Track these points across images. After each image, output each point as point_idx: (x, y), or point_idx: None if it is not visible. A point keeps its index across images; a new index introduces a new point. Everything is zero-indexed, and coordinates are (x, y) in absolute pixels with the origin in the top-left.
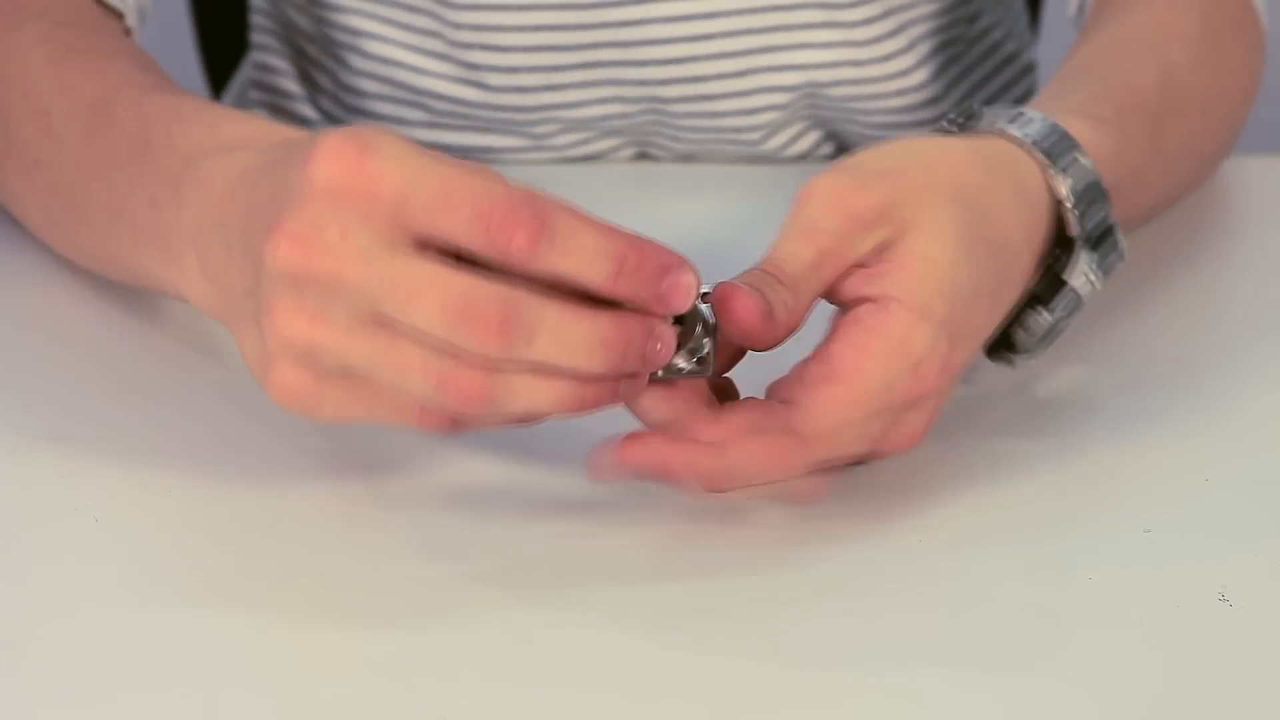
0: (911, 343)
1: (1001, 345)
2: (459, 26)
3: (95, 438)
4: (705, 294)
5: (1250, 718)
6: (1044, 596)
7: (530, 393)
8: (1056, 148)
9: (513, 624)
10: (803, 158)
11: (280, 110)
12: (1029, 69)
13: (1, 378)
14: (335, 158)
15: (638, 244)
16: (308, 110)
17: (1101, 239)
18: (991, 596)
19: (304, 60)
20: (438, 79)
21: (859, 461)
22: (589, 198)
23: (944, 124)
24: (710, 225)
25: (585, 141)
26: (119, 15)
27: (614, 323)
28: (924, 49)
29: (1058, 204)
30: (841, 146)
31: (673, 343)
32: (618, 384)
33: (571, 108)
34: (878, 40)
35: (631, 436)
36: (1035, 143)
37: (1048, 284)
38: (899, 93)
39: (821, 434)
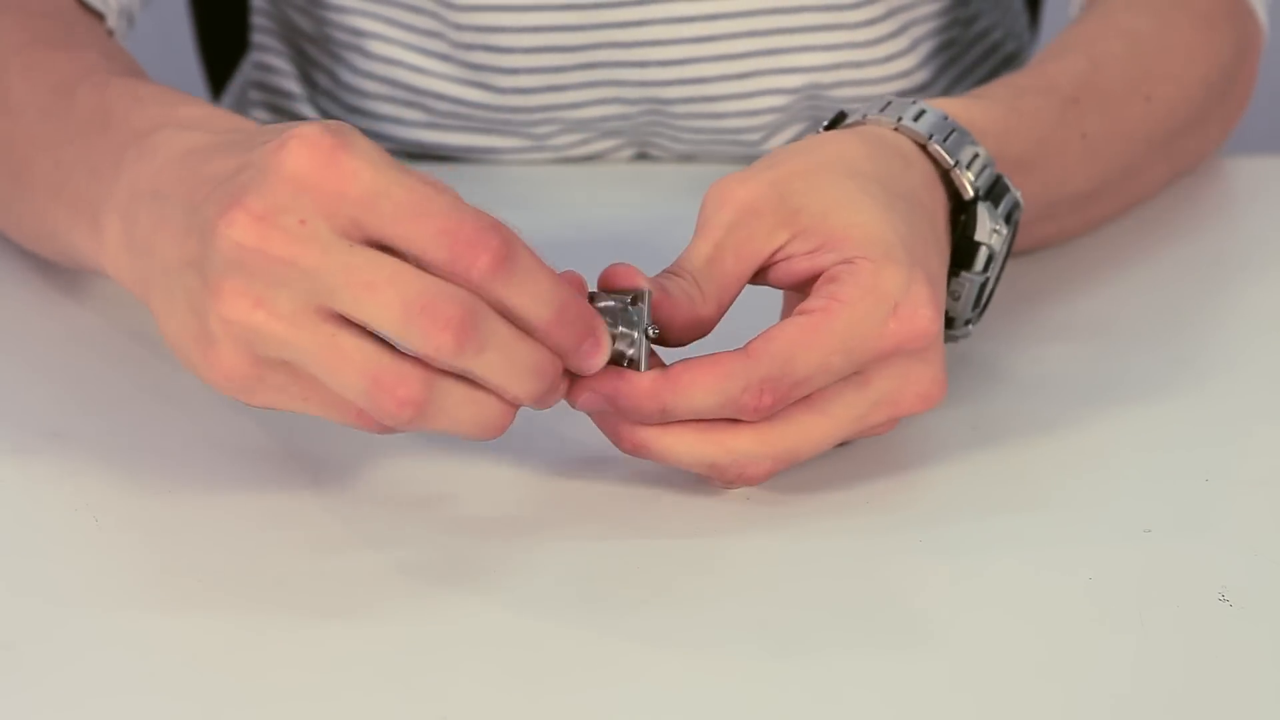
0: (884, 286)
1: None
2: (460, 27)
3: (95, 438)
4: (636, 297)
5: (1250, 718)
6: (1044, 596)
7: (459, 409)
8: (894, 108)
9: (513, 624)
10: None
11: (280, 110)
12: None
13: (1, 378)
14: (310, 148)
15: (578, 300)
16: (307, 110)
17: (993, 190)
18: (991, 596)
19: (304, 61)
20: (439, 79)
21: (878, 433)
22: (589, 198)
23: (819, 128)
24: None
25: (585, 142)
26: (100, 16)
27: (549, 355)
28: (925, 50)
29: (945, 173)
30: None
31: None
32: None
33: (572, 108)
34: (879, 41)
35: (579, 380)
36: (882, 110)
37: (961, 250)
38: (900, 93)
39: (771, 353)
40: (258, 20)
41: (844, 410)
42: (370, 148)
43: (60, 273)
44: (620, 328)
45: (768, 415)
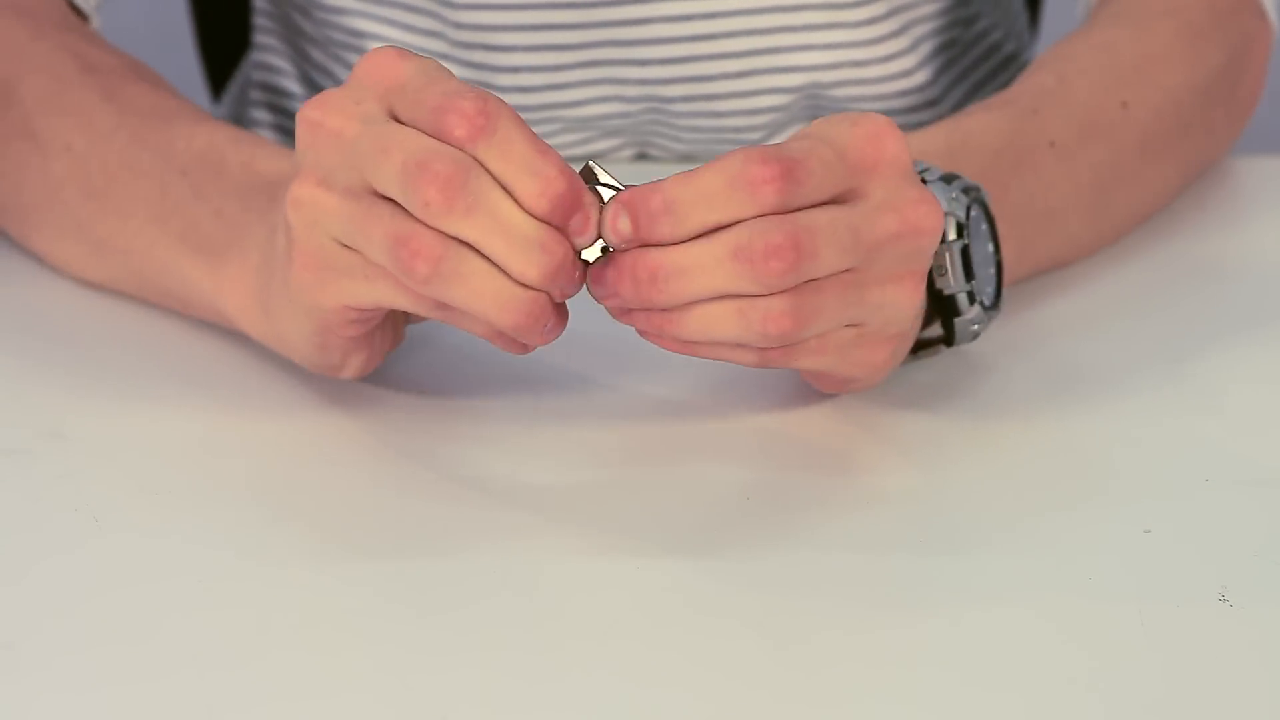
0: (838, 113)
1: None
2: (460, 26)
3: (95, 438)
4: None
5: (1250, 718)
6: (1044, 596)
7: (475, 278)
8: None
9: (513, 624)
10: None
11: (280, 110)
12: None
13: (1, 378)
14: (381, 54)
15: (566, 173)
16: None
17: (946, 180)
18: (991, 596)
19: (306, 62)
20: None
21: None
22: None
23: None
24: None
25: (585, 141)
26: (85, 18)
27: (553, 231)
28: (925, 49)
29: None
30: None
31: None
32: (547, 312)
33: (573, 106)
34: (880, 40)
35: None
36: None
37: None
38: (901, 93)
39: (758, 144)
40: (259, 20)
41: (849, 208)
42: (429, 60)
43: (61, 273)
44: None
45: (779, 192)
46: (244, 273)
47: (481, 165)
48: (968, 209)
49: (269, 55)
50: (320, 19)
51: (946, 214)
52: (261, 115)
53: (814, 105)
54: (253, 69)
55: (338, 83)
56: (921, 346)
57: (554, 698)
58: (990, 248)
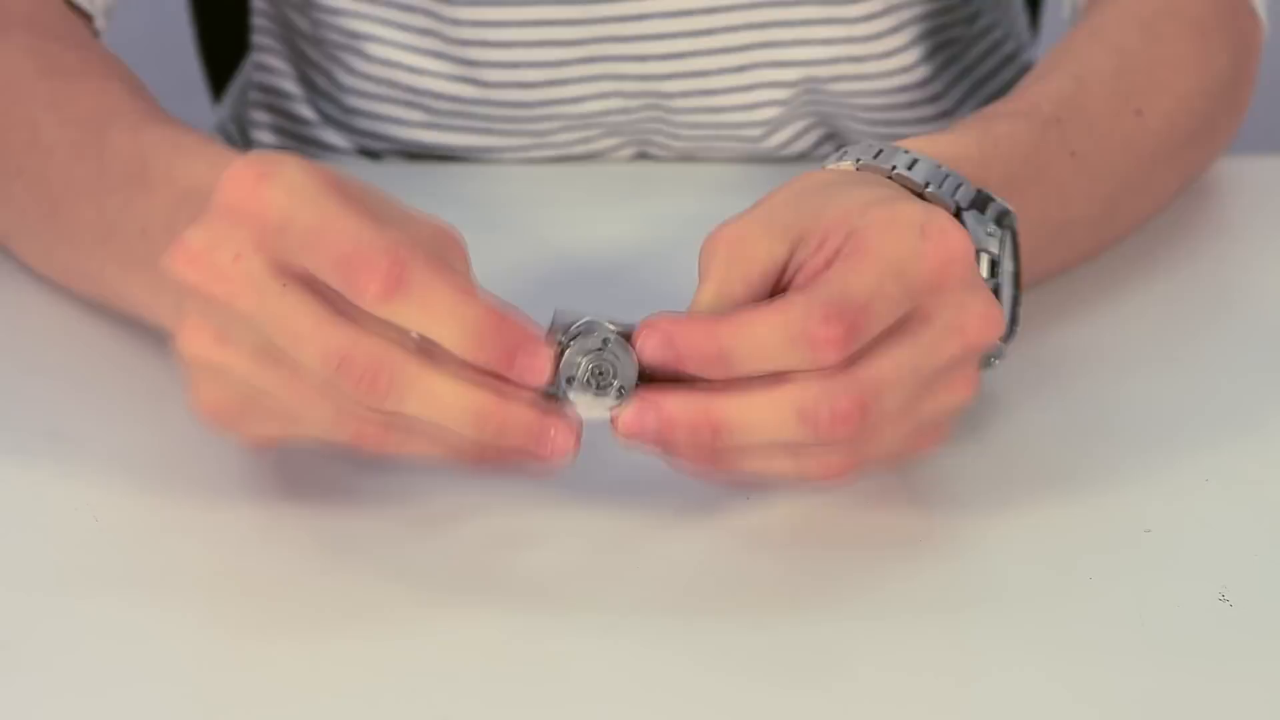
0: (904, 216)
1: None
2: (458, 23)
3: (95, 438)
4: (626, 333)
5: (1250, 718)
6: (1044, 596)
7: (423, 441)
8: (885, 155)
9: (513, 624)
10: (803, 156)
11: (280, 110)
12: (1028, 68)
13: (1, 378)
14: (237, 180)
15: (497, 314)
16: (306, 111)
17: (975, 204)
18: (991, 596)
19: (303, 62)
20: (435, 78)
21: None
22: (589, 197)
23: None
24: (710, 224)
25: (585, 140)
26: (88, 17)
27: (489, 395)
28: (924, 46)
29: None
30: (842, 145)
31: (571, 431)
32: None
33: (572, 103)
34: (878, 36)
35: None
36: (875, 156)
37: None
38: (900, 89)
39: (826, 281)
40: (258, 21)
41: (914, 340)
42: (296, 174)
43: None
44: (596, 359)
45: (839, 351)
46: (167, 304)
47: (392, 321)
48: (1001, 241)
49: (267, 56)
50: (315, 19)
51: (980, 250)
52: (261, 116)
53: (813, 101)
54: (251, 69)
55: (335, 83)
56: None
57: (554, 698)
58: (1010, 265)
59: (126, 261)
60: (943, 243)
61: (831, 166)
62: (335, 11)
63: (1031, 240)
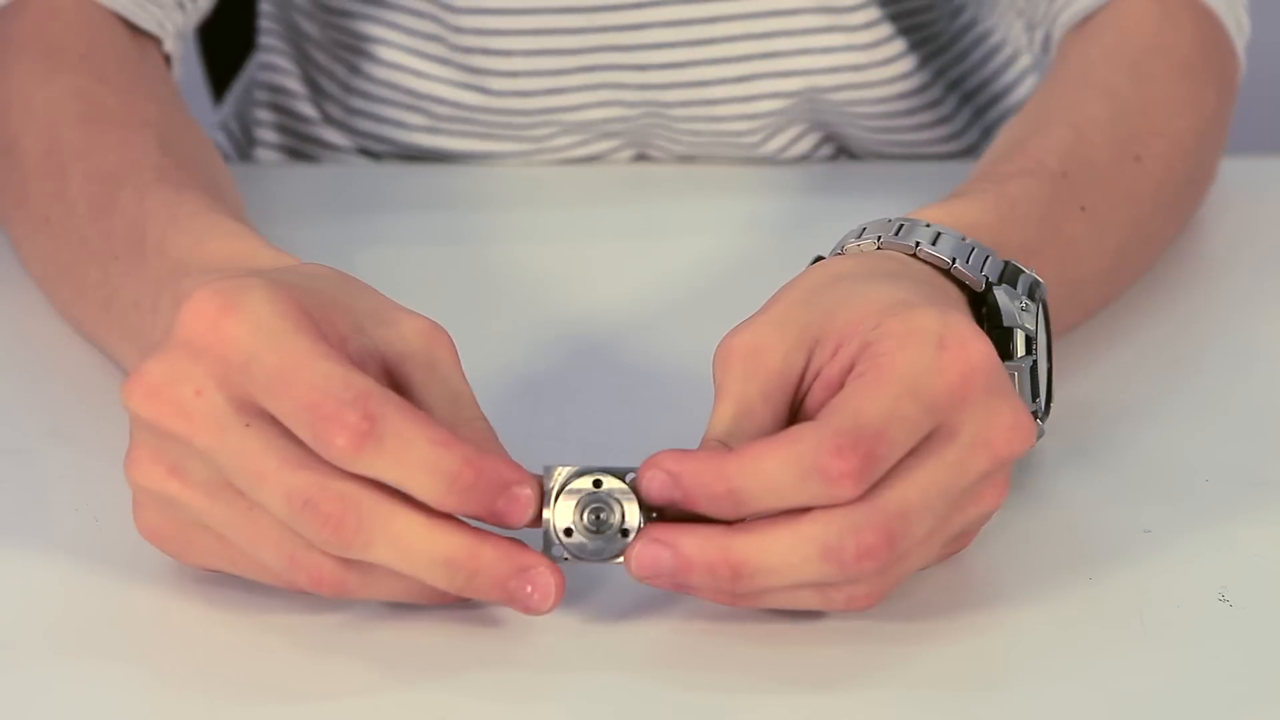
0: (920, 325)
1: None
2: (461, 30)
3: (95, 438)
4: (621, 473)
5: (1250, 718)
6: (1044, 596)
7: (382, 584)
8: (905, 233)
9: (513, 624)
10: (803, 159)
11: (284, 109)
12: (1029, 71)
13: (1, 378)
14: (197, 313)
15: (475, 461)
16: (310, 110)
17: (1004, 277)
18: (991, 596)
19: (309, 63)
20: (439, 83)
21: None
22: (588, 199)
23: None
24: (708, 227)
25: (584, 143)
26: (157, 40)
27: (459, 541)
28: (924, 52)
29: (946, 273)
30: (841, 148)
31: (550, 585)
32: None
33: (572, 111)
34: (878, 44)
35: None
36: (896, 234)
37: (998, 342)
38: (900, 96)
39: (838, 410)
40: (265, 23)
41: (939, 460)
42: (260, 309)
43: None
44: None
45: (857, 484)
46: None
47: (362, 473)
48: (1039, 320)
49: (273, 56)
50: (324, 21)
51: (1017, 327)
52: (265, 115)
53: (813, 109)
54: (257, 70)
55: (341, 85)
56: None
57: (554, 698)
58: (1045, 339)
59: (124, 332)
60: (962, 355)
61: (851, 246)
62: (344, 15)
63: (1050, 301)
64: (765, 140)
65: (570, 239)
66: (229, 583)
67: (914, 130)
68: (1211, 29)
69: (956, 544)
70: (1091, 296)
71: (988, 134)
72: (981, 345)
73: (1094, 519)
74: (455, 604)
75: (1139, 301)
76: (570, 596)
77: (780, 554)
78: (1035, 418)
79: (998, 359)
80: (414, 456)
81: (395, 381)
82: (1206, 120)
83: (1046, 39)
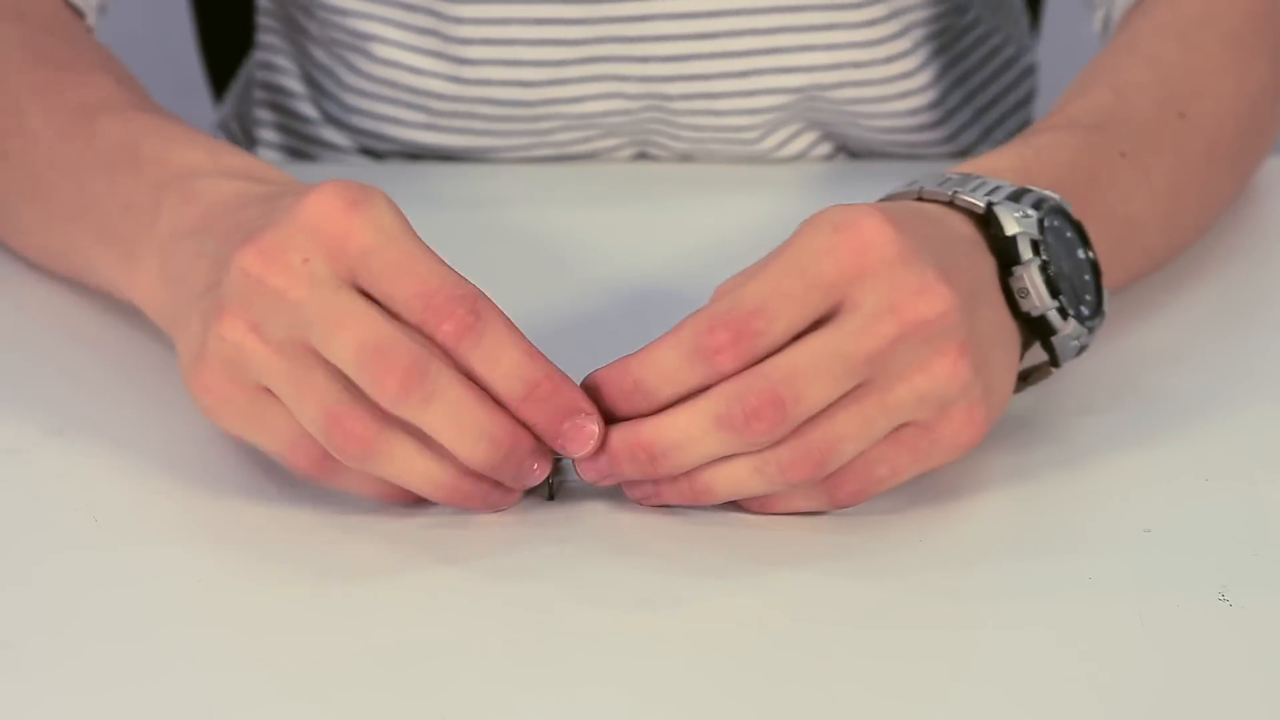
0: (823, 216)
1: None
2: (461, 21)
3: (95, 438)
4: None
5: (1250, 718)
6: (1044, 596)
7: (407, 461)
8: (918, 182)
9: (514, 625)
10: (800, 157)
11: (284, 109)
12: (1029, 72)
13: (1, 378)
14: (326, 202)
15: (555, 378)
16: (310, 110)
17: (1009, 199)
18: (991, 596)
19: (308, 61)
20: (436, 79)
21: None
22: (589, 197)
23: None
24: (709, 225)
25: (586, 140)
26: (80, 14)
27: (507, 425)
28: (926, 52)
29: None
30: (840, 148)
31: (548, 470)
32: (490, 492)
33: (574, 102)
34: (881, 42)
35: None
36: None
37: (1004, 253)
38: (902, 95)
39: (718, 295)
40: (263, 20)
41: (836, 329)
42: (384, 211)
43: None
44: None
45: (733, 358)
46: (150, 276)
47: (456, 359)
48: (1040, 222)
49: (272, 55)
50: (323, 19)
51: (1020, 234)
52: (264, 115)
53: (814, 106)
54: (255, 69)
55: (339, 83)
56: (1029, 374)
57: (553, 698)
58: (1081, 254)
59: (102, 236)
60: (855, 234)
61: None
62: (342, 12)
63: (1104, 240)
64: (763, 137)
65: (571, 238)
66: (229, 582)
67: (915, 130)
68: (1266, 4)
69: (926, 441)
70: (1152, 241)
71: (987, 134)
72: (876, 224)
73: (1094, 519)
74: (454, 593)
75: (1139, 301)
76: (571, 596)
77: (681, 429)
78: (1066, 315)
79: (901, 236)
80: (505, 356)
81: None
82: (1259, 87)
83: (1107, 20)
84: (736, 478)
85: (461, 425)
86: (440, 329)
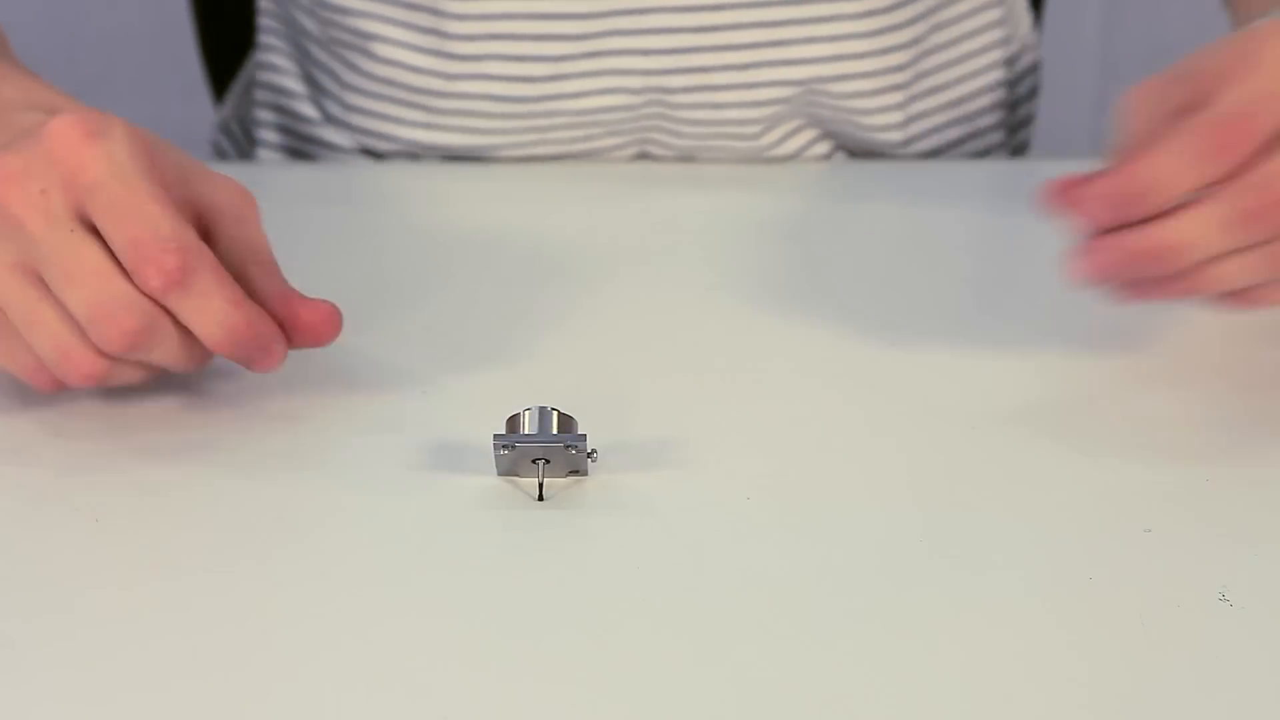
0: None
1: None
2: (462, 17)
3: (95, 438)
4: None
5: (1250, 718)
6: (1044, 596)
7: (136, 374)
8: None
9: (514, 625)
10: (798, 154)
11: (284, 109)
12: (1032, 68)
13: (1, 378)
14: (66, 130)
15: (254, 324)
16: (310, 110)
17: None
18: (991, 596)
19: (308, 61)
20: (439, 78)
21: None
22: (589, 197)
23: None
24: (710, 225)
25: (586, 139)
26: None
27: (252, 318)
28: (926, 45)
29: None
30: (837, 146)
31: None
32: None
33: (575, 98)
34: (880, 33)
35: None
36: None
37: None
38: (899, 87)
39: (1232, 109)
40: (264, 21)
41: (1255, 126)
42: (120, 144)
43: None
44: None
45: (1236, 158)
46: None
47: (164, 304)
48: None
49: (272, 55)
50: (324, 18)
51: None
52: (265, 115)
53: (814, 101)
54: (256, 69)
55: (339, 82)
56: None
57: (555, 699)
58: None
59: None
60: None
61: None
62: (343, 11)
63: None
64: (765, 131)
65: (572, 238)
66: (230, 582)
67: (902, 126)
68: None
69: None
70: None
71: (985, 134)
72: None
73: (1094, 519)
74: (453, 593)
75: (1142, 305)
76: (572, 597)
77: (1186, 231)
78: None
79: None
80: (209, 308)
81: (205, 226)
82: None
83: None
84: (1236, 270)
85: (178, 360)
86: (148, 280)
